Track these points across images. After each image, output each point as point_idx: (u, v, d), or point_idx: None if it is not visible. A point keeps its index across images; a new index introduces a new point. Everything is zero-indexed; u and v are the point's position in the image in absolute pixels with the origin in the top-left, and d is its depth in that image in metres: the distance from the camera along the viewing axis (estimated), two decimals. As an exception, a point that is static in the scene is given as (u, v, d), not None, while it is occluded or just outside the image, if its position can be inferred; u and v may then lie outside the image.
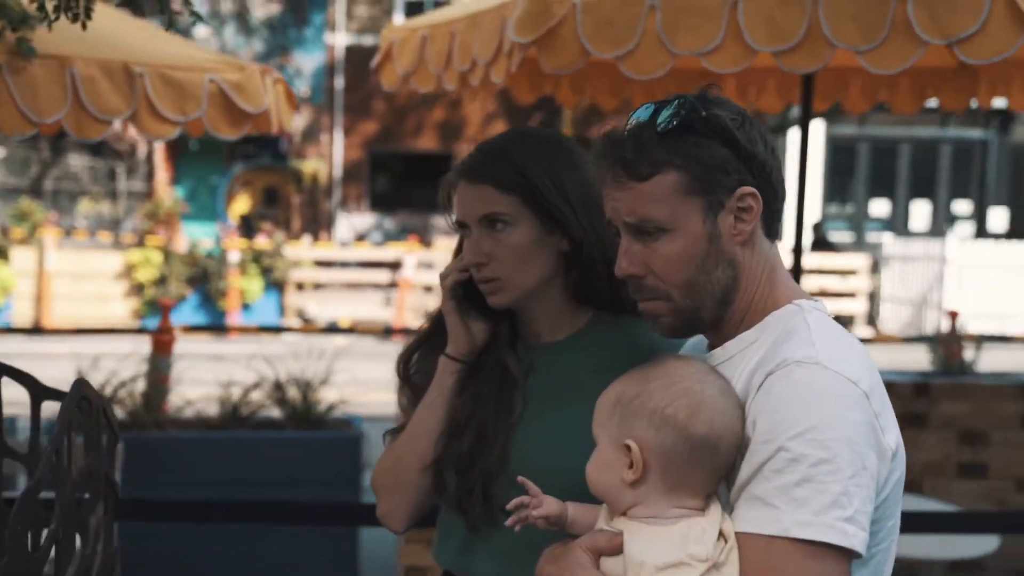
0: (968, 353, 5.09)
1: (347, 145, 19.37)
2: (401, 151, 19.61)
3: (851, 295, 14.06)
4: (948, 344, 4.96)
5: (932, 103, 4.30)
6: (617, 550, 1.14)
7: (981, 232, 18.39)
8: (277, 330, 10.80)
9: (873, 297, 14.42)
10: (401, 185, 19.73)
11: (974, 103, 4.19)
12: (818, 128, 18.97)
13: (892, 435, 1.17)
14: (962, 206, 19.58)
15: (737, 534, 1.12)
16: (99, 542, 1.58)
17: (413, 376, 1.71)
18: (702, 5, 2.36)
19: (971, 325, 12.96)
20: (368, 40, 19.04)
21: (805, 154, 3.56)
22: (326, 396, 4.43)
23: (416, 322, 12.69)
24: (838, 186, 19.89)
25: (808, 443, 1.09)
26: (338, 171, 19.40)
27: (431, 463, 1.62)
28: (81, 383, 1.54)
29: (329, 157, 19.22)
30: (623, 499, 1.19)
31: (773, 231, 1.30)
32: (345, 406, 4.49)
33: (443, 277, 1.64)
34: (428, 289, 13.73)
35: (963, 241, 14.76)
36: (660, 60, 2.40)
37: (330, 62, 19.23)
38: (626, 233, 1.30)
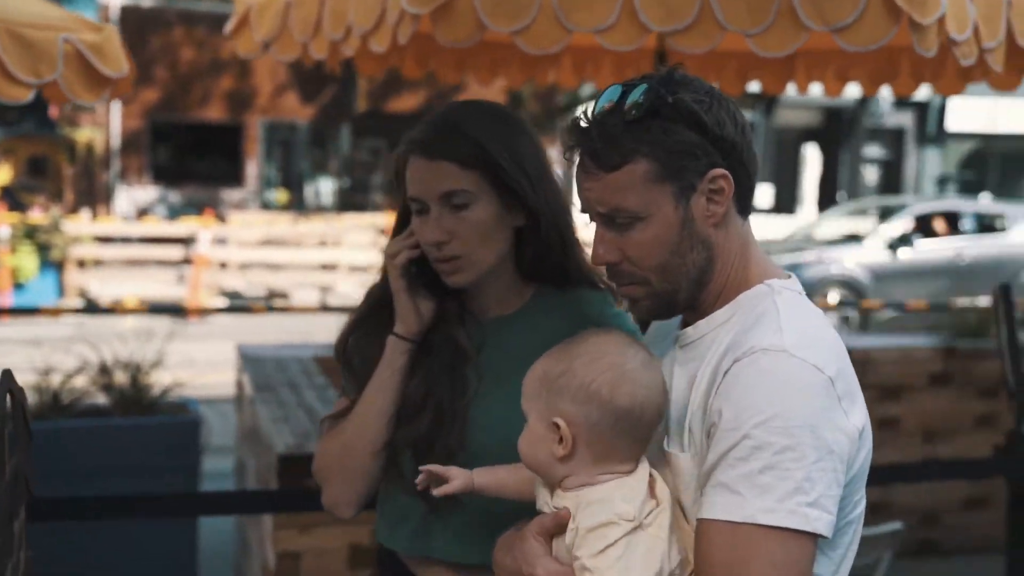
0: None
1: (125, 113, 18.24)
2: (186, 121, 18.67)
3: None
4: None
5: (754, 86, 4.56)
6: (564, 525, 1.17)
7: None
8: (81, 311, 10.04)
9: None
10: (186, 157, 18.81)
11: (792, 87, 4.46)
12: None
13: (859, 415, 1.21)
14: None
15: (703, 520, 1.14)
16: (22, 549, 1.43)
17: (352, 359, 1.65)
18: (597, -18, 2.38)
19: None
20: (147, 1, 17.95)
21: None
22: (159, 379, 4.18)
23: (213, 300, 12.16)
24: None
25: (772, 431, 1.12)
26: (116, 141, 18.25)
27: (382, 447, 1.57)
28: (7, 374, 1.38)
29: (106, 126, 18.02)
30: (556, 472, 1.23)
31: (745, 208, 1.33)
32: (180, 389, 4.25)
33: (392, 255, 1.59)
34: (223, 266, 13.20)
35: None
36: (555, 36, 2.40)
37: (103, 22, 18.00)
38: (599, 222, 1.30)
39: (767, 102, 19.87)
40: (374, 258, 13.86)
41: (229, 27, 3.23)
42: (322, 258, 14.09)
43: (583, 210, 1.34)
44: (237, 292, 13.14)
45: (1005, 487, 3.33)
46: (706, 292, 1.31)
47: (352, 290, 13.52)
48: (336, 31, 2.78)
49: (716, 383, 1.20)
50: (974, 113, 20.05)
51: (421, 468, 1.42)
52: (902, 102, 19.38)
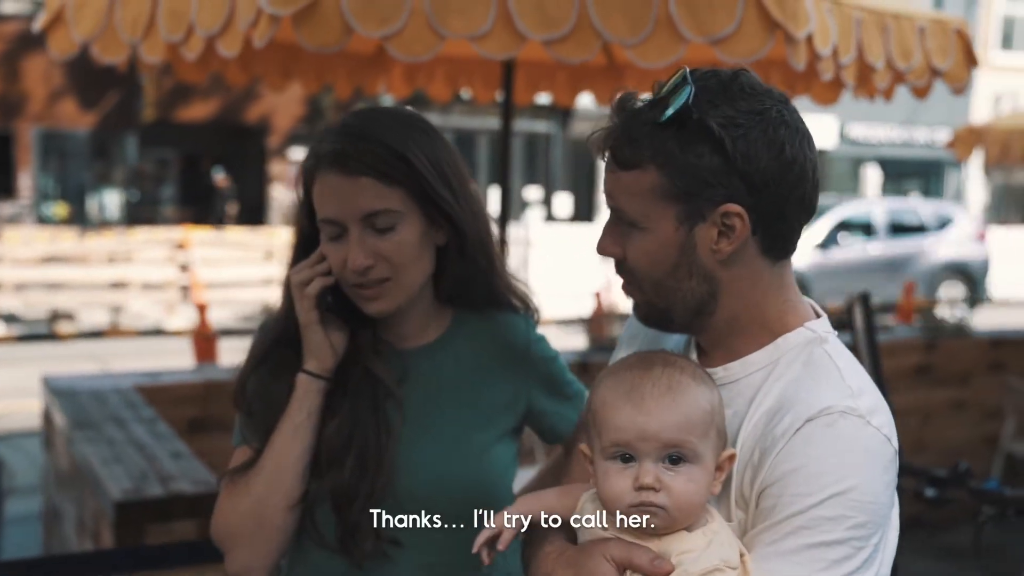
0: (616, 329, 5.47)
1: None
2: (-52, 129, 17.04)
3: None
4: (598, 323, 5.28)
5: (544, 99, 4.57)
6: (661, 575, 1.03)
7: (549, 216, 20.09)
8: None
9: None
10: (-53, 168, 17.15)
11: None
12: (405, 117, 19.57)
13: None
14: (533, 192, 21.30)
15: None
16: None
17: (253, 404, 1.45)
18: (471, -13, 2.27)
19: (552, 305, 14.14)
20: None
21: (507, 145, 3.61)
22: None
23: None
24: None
25: (848, 504, 1.04)
26: None
27: (299, 500, 1.39)
28: None
29: None
30: (697, 514, 1.06)
31: (777, 250, 1.18)
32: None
33: (302, 284, 1.40)
34: (-1, 286, 12.11)
35: (544, 224, 15.97)
36: (428, 42, 2.27)
37: None
38: (610, 213, 1.19)
39: (562, 114, 20.35)
40: (170, 275, 13.12)
41: (39, 25, 2.89)
42: (111, 276, 13.17)
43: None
44: (13, 314, 12.08)
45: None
46: (711, 322, 1.19)
47: (146, 309, 12.73)
48: (174, 32, 2.53)
49: (778, 439, 1.08)
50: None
51: (484, 542, 1.19)
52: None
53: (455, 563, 1.41)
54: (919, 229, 14.58)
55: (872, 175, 20.65)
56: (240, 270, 13.74)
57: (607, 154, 1.17)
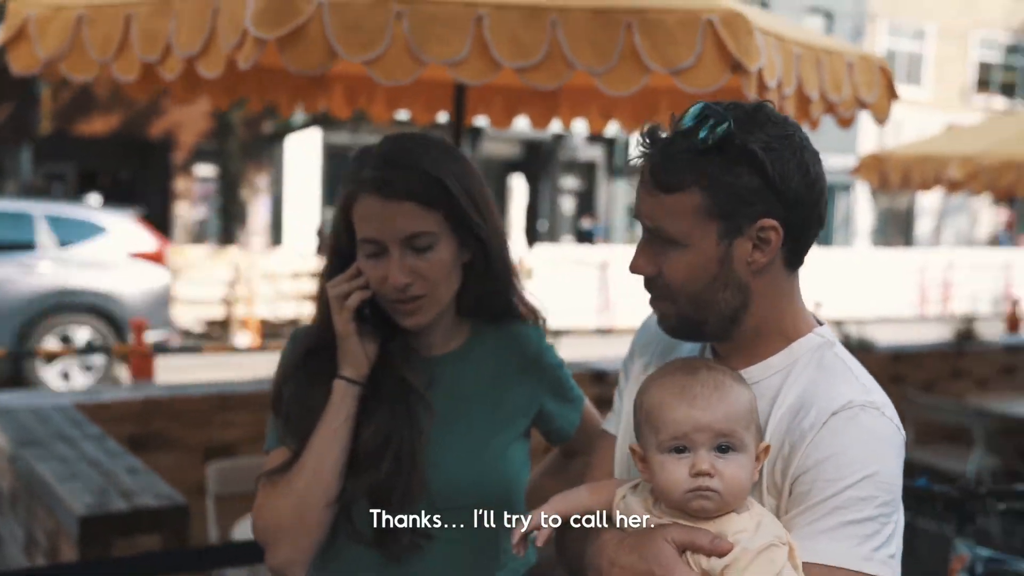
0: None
1: None
2: None
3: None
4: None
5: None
6: (722, 553, 1.14)
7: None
8: None
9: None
10: None
11: (556, 122, 4.66)
12: (315, 136, 19.41)
13: None
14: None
15: (807, 564, 1.16)
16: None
17: (290, 410, 1.52)
18: (449, 16, 2.37)
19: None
20: None
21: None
22: None
23: None
24: (336, 191, 20.57)
25: (875, 486, 1.17)
26: None
27: (336, 498, 1.47)
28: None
29: None
30: (743, 499, 1.18)
31: (796, 260, 1.30)
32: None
33: (341, 296, 1.49)
34: None
35: None
36: (408, 67, 2.36)
37: None
38: (645, 233, 1.30)
39: (472, 134, 20.52)
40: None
41: (1, 39, 2.87)
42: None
43: (635, 215, 1.31)
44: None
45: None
46: (739, 331, 1.30)
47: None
48: (150, 53, 2.57)
49: (807, 432, 1.21)
50: (654, 149, 21.99)
51: (523, 536, 1.27)
52: (594, 137, 20.75)
53: (479, 554, 1.51)
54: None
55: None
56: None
57: (648, 179, 1.27)
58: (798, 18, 23.39)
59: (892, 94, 3.23)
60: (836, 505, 1.16)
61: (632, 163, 1.30)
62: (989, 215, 29.04)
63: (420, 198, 1.45)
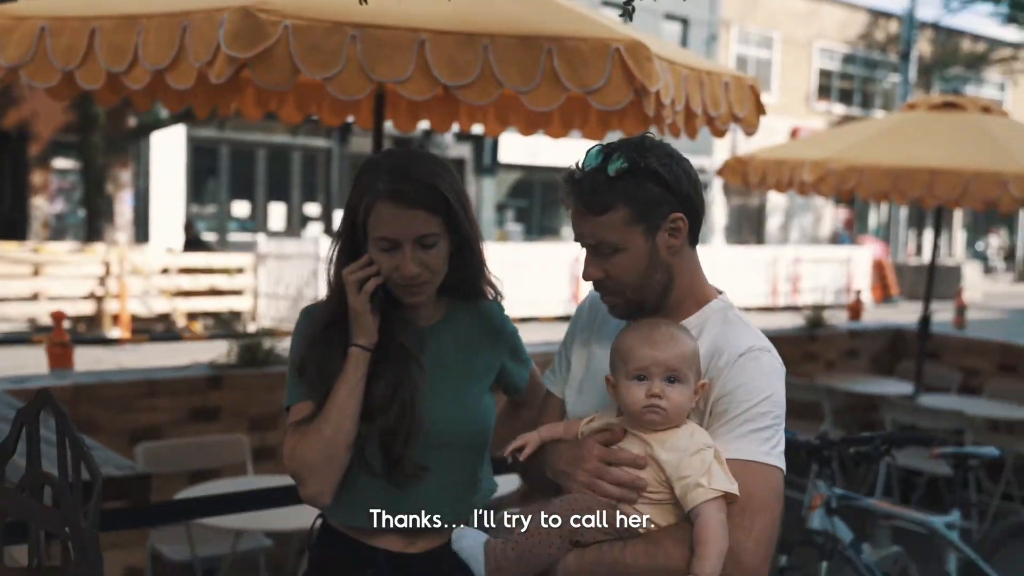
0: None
1: None
2: None
3: (239, 292, 14.56)
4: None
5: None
6: (631, 461, 1.58)
7: (329, 231, 20.21)
8: None
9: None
10: None
11: (456, 126, 5.03)
12: (179, 131, 19.12)
13: None
14: (312, 208, 21.40)
15: (728, 459, 1.58)
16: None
17: (312, 372, 1.86)
18: (395, 40, 2.72)
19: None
20: None
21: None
22: None
23: None
24: (201, 187, 20.30)
25: (771, 404, 1.62)
26: None
27: (354, 440, 1.82)
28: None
29: None
30: (684, 418, 1.61)
31: (695, 240, 1.75)
32: None
33: (359, 281, 1.84)
34: None
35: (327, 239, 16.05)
36: (362, 84, 2.71)
37: None
38: (588, 250, 1.71)
39: (341, 131, 20.58)
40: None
41: (-39, 47, 3.05)
42: None
43: (576, 239, 1.72)
44: None
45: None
46: (668, 302, 1.71)
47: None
48: (116, 64, 2.82)
49: (722, 369, 1.63)
50: (520, 147, 22.46)
51: (515, 448, 1.70)
52: (463, 135, 21.15)
53: (462, 481, 1.92)
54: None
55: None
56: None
57: (581, 208, 1.68)
58: (656, 24, 24.42)
59: (760, 109, 3.75)
60: (745, 419, 1.61)
61: (563, 201, 1.72)
62: (831, 214, 30.99)
63: (428, 206, 1.82)
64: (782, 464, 1.62)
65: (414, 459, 1.85)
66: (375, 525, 1.84)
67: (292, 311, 15.11)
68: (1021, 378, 7.11)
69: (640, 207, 1.66)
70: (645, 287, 1.70)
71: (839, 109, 30.31)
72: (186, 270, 14.13)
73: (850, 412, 6.92)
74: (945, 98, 6.64)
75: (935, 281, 7.10)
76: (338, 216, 15.92)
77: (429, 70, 2.75)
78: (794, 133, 26.91)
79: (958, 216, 34.30)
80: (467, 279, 1.96)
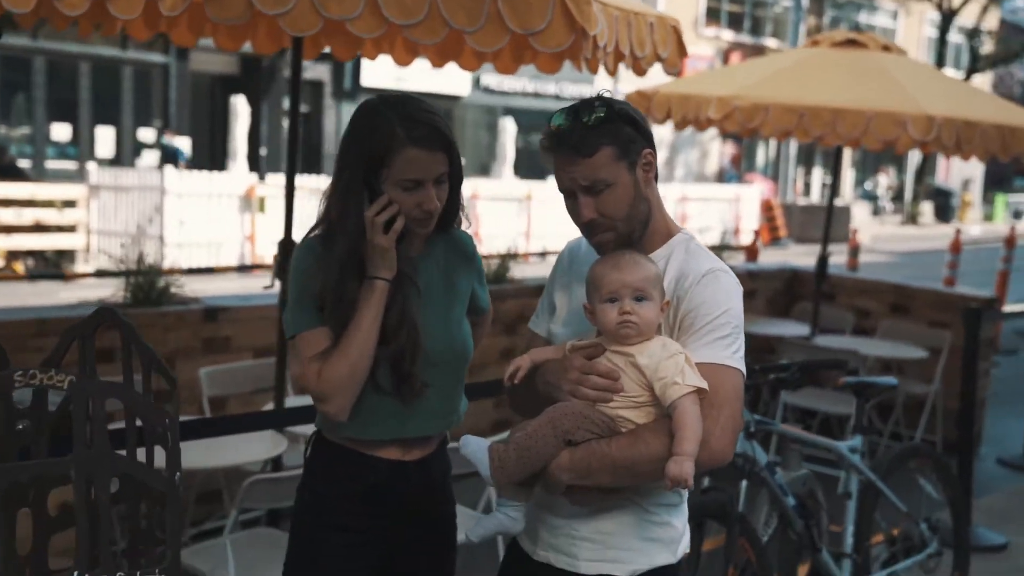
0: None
1: None
2: None
3: (71, 228, 14.36)
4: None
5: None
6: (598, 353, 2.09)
7: (166, 160, 19.76)
8: None
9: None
10: None
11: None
12: (-10, 39, 18.38)
13: None
14: (147, 134, 20.89)
15: (696, 363, 2.07)
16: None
17: (327, 300, 2.27)
18: (346, -23, 3.09)
19: (187, 255, 14.42)
20: None
21: (295, 120, 4.38)
22: None
23: None
24: (10, 105, 19.52)
25: (730, 316, 2.12)
26: None
27: (371, 363, 2.27)
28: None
29: None
30: (654, 332, 2.10)
31: (657, 174, 2.26)
32: None
33: (380, 223, 2.26)
34: None
35: (181, 172, 15.96)
36: (312, 21, 3.07)
37: None
38: (582, 193, 2.16)
39: (179, 47, 20.12)
40: None
41: None
42: None
43: (561, 188, 2.18)
44: None
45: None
46: (646, 234, 2.21)
47: None
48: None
49: (687, 289, 2.13)
50: (385, 70, 22.59)
51: (511, 372, 2.15)
52: (321, 54, 21.06)
53: (452, 396, 2.41)
54: None
55: (509, 127, 22.74)
56: None
57: (570, 154, 2.14)
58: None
59: (682, 50, 4.26)
60: (709, 329, 2.11)
61: (545, 150, 2.19)
62: (717, 149, 32.30)
63: (446, 149, 2.28)
64: (742, 367, 2.14)
65: (420, 376, 2.31)
66: (384, 437, 2.30)
67: (132, 251, 14.88)
68: (912, 319, 7.99)
69: (621, 144, 2.15)
70: (632, 218, 2.18)
71: (728, 35, 31.48)
72: (4, 202, 13.80)
73: (749, 353, 7.65)
74: (847, 35, 7.29)
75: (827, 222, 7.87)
76: (181, 142, 15.71)
77: (379, 9, 3.13)
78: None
79: (847, 155, 36.30)
80: (451, 210, 2.41)
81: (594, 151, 2.14)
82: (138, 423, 1.96)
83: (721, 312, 2.12)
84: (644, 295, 2.09)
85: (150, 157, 20.55)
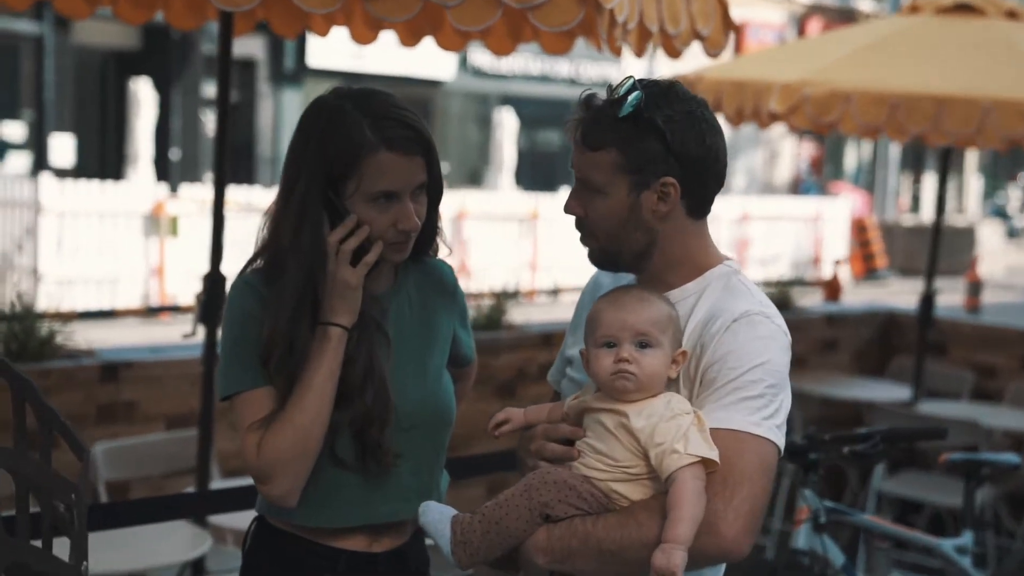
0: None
1: None
2: None
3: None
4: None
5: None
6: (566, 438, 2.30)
7: (41, 166, 19.61)
8: None
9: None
10: None
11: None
12: None
13: None
14: (14, 129, 20.77)
15: (712, 429, 2.23)
16: None
17: (275, 353, 2.43)
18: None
19: (72, 293, 14.53)
20: None
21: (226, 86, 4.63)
22: None
23: None
24: None
25: (765, 371, 2.26)
26: None
27: (327, 428, 2.44)
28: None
29: None
30: (660, 388, 2.27)
31: (698, 210, 2.40)
32: None
33: (347, 251, 2.41)
34: None
35: (64, 183, 15.96)
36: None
37: None
38: (576, 183, 2.38)
39: (60, 18, 20.09)
40: None
41: None
42: None
43: (571, 167, 2.38)
44: None
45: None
46: (649, 265, 2.38)
47: None
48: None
49: (714, 335, 2.27)
50: (338, 46, 22.66)
51: (497, 422, 2.36)
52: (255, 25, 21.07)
53: (429, 466, 2.59)
54: None
55: (507, 121, 22.89)
56: None
57: (579, 138, 2.35)
58: None
59: (728, 25, 4.48)
60: (735, 387, 2.25)
61: (568, 124, 2.38)
62: (791, 151, 32.31)
63: (424, 153, 2.45)
64: (775, 436, 2.27)
65: (390, 445, 2.48)
66: (348, 524, 2.47)
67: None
68: (1051, 379, 8.05)
69: (633, 157, 2.34)
70: (621, 240, 2.38)
71: (805, -5, 31.49)
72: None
73: (827, 423, 7.72)
74: (957, -1, 7.20)
75: (941, 248, 7.93)
76: (57, 141, 15.80)
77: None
78: (739, 32, 27.99)
79: (972, 159, 36.28)
80: (428, 233, 2.60)
81: (597, 147, 2.35)
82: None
83: (753, 366, 2.27)
84: (649, 341, 2.26)
85: (18, 161, 20.48)
